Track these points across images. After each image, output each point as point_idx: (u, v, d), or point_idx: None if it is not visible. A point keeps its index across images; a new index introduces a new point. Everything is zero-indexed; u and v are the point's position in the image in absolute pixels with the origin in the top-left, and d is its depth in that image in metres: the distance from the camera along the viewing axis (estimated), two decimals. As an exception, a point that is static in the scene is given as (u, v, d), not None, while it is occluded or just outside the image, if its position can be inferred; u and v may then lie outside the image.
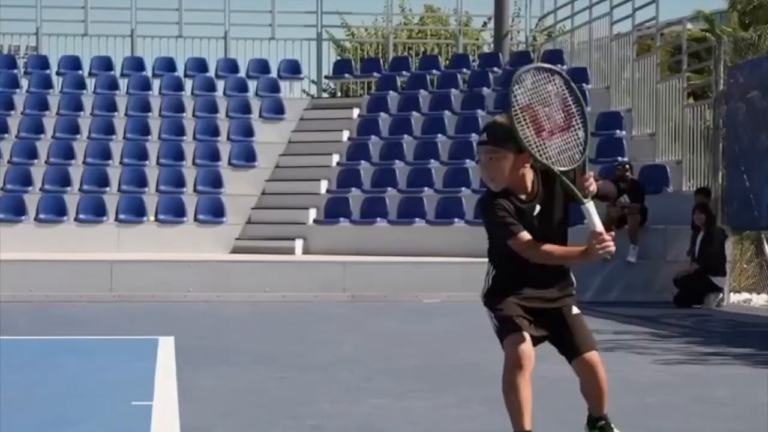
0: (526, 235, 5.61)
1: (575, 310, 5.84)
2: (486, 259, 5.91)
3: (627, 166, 18.65)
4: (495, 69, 24.74)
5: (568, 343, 5.79)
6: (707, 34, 25.74)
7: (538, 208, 5.70)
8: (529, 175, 5.71)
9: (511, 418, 5.64)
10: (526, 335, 5.65)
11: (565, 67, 23.87)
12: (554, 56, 24.50)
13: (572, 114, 5.68)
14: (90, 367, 10.10)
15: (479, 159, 5.77)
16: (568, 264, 5.81)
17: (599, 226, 5.53)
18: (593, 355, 5.78)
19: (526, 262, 5.68)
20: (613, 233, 5.57)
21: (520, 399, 5.58)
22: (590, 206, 5.59)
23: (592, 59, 23.89)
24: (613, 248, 5.53)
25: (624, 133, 21.16)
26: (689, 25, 25.24)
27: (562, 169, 5.60)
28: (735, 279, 18.22)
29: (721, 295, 17.10)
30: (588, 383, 5.83)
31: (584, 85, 22.71)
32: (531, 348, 5.64)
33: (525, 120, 5.58)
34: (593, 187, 5.59)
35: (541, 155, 5.57)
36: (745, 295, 18.11)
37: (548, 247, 5.63)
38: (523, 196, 5.69)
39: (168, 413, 7.53)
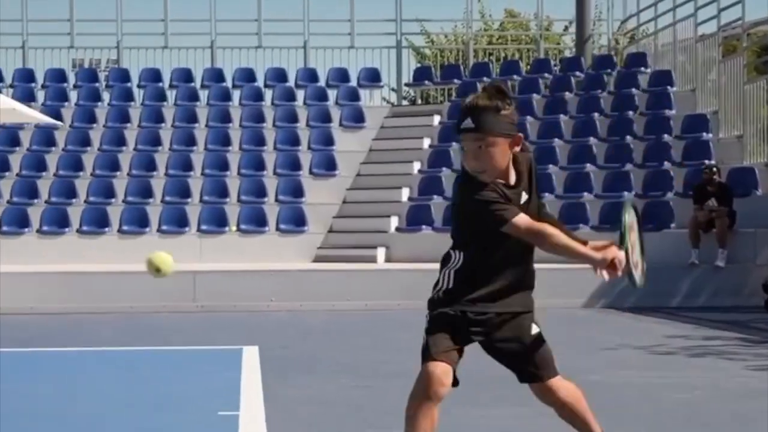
0: (525, 216, 5.01)
1: (535, 329, 5.34)
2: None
3: (714, 169, 18.36)
4: (577, 73, 24.50)
5: (525, 369, 5.35)
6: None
7: (524, 196, 5.14)
8: (512, 160, 5.12)
9: None
10: (448, 367, 5.11)
11: (648, 70, 23.61)
12: (637, 59, 24.24)
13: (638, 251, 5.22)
14: (175, 377, 10.08)
15: (462, 146, 5.09)
16: (566, 256, 5.16)
17: (624, 254, 5.03)
18: (555, 381, 5.30)
19: (499, 261, 5.11)
20: (625, 267, 5.04)
21: (419, 422, 5.17)
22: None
23: (677, 61, 23.57)
24: (612, 276, 5.04)
25: (710, 135, 20.84)
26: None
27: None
28: (827, 283, 17.83)
29: (814, 299, 16.76)
30: (559, 409, 5.35)
31: (669, 87, 22.43)
32: (448, 378, 5.12)
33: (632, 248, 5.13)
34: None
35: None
36: (838, 300, 17.71)
37: (555, 231, 5.06)
38: (509, 182, 5.10)
39: (255, 423, 7.47)
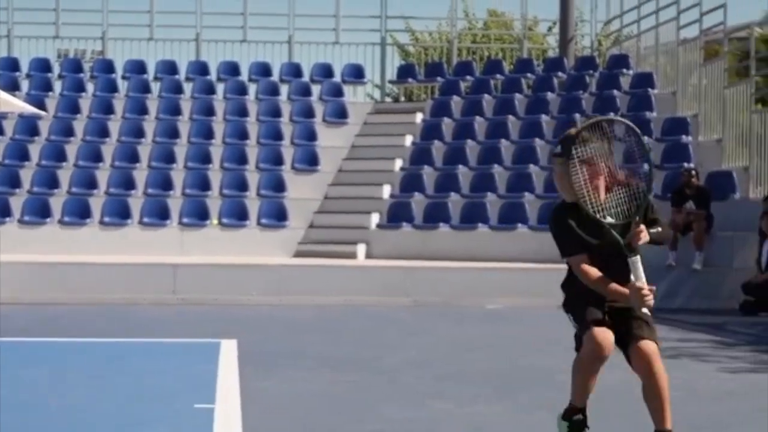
0: (577, 258, 5.90)
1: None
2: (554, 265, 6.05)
3: (693, 172, 18.46)
4: (559, 74, 24.61)
5: (630, 332, 5.91)
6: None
7: (609, 219, 5.84)
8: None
9: (574, 391, 6.03)
10: (608, 330, 5.84)
11: (630, 72, 23.72)
12: (619, 61, 24.35)
13: (636, 168, 5.73)
14: (153, 369, 10.13)
15: (554, 170, 6.03)
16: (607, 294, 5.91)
17: (642, 281, 5.72)
18: (650, 344, 5.88)
19: (602, 268, 5.92)
20: (654, 287, 5.77)
21: (586, 383, 5.94)
22: (636, 260, 5.76)
23: (659, 64, 23.69)
24: (651, 303, 5.74)
25: (690, 138, 20.94)
26: (758, 29, 24.96)
27: (612, 221, 5.76)
28: (803, 287, 17.96)
29: (790, 303, 16.88)
30: (647, 379, 5.87)
31: (650, 90, 22.54)
32: (610, 341, 5.83)
33: (583, 172, 5.73)
34: (641, 241, 5.77)
35: (593, 208, 5.74)
36: (813, 304, 17.84)
37: (596, 274, 5.87)
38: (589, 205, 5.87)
39: (230, 416, 7.53)
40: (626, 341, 5.90)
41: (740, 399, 8.72)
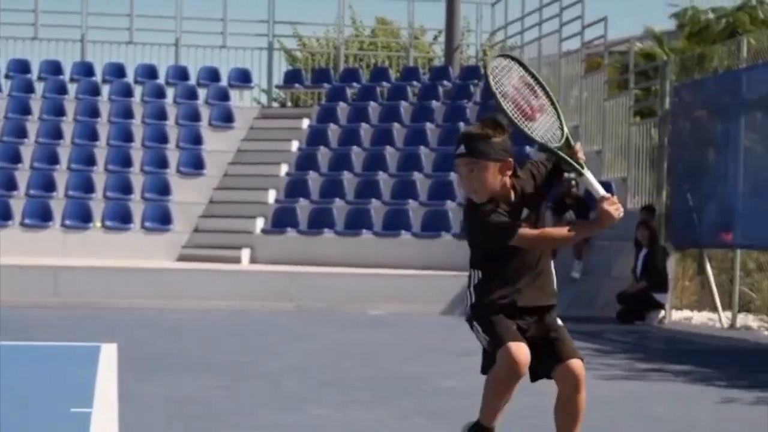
0: (526, 228, 5.53)
1: (560, 322, 5.76)
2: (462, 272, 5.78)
3: (573, 182, 18.74)
4: (445, 82, 24.86)
5: (554, 351, 5.62)
6: (659, 50, 25.97)
7: (525, 211, 5.61)
8: (509, 183, 5.59)
9: (484, 410, 5.62)
10: (524, 344, 5.50)
11: (514, 82, 23.99)
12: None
13: (539, 95, 5.68)
14: (30, 373, 10.04)
15: (459, 171, 5.66)
16: (582, 237, 5.68)
17: (604, 191, 5.56)
18: (578, 363, 5.62)
19: (512, 272, 5.61)
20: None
21: (499, 401, 5.57)
22: (589, 174, 5.62)
23: (541, 75, 23.97)
24: (622, 210, 5.53)
25: (571, 149, 21.22)
26: (638, 43, 25.47)
27: (557, 145, 5.63)
28: (677, 296, 18.39)
29: (663, 312, 17.28)
30: (567, 396, 5.64)
31: (533, 100, 22.80)
32: (527, 355, 5.49)
33: (510, 107, 5.59)
34: (582, 154, 5.66)
35: (535, 137, 5.58)
36: (686, 313, 18.28)
37: (557, 230, 5.67)
38: (506, 204, 5.57)
39: (108, 421, 7.51)
40: (547, 359, 5.62)
41: (614, 406, 8.91)
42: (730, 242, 16.51)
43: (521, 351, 5.48)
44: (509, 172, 5.56)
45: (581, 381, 5.61)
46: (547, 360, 5.64)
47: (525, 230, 5.52)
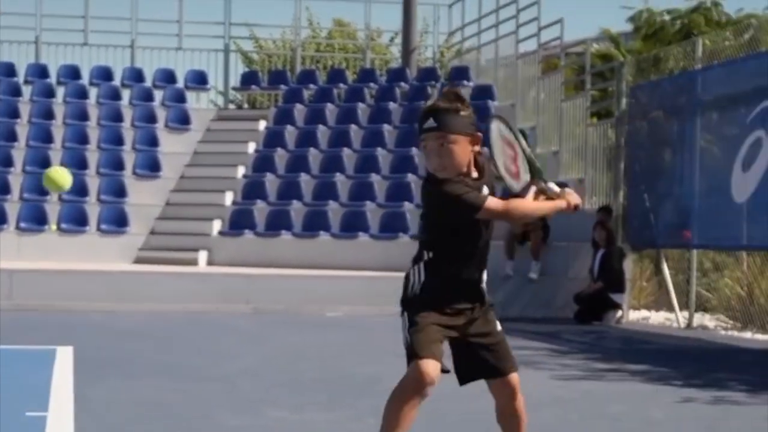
0: (494, 198, 5.28)
1: (499, 326, 5.47)
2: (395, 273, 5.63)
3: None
4: (402, 84, 24.87)
5: (490, 363, 5.38)
6: (615, 51, 26.12)
7: (486, 190, 5.34)
8: (473, 159, 5.33)
9: (385, 427, 5.30)
10: (437, 363, 5.22)
11: (471, 83, 24.09)
12: (461, 73, 24.71)
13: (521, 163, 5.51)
14: (-15, 377, 9.95)
15: (424, 146, 5.31)
16: (547, 213, 5.51)
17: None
18: (516, 376, 5.42)
19: (467, 255, 5.35)
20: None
21: (403, 417, 5.24)
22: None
23: (498, 77, 24.11)
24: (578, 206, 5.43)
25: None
26: (595, 45, 25.59)
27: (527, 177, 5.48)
28: (634, 297, 18.47)
29: (621, 312, 17.34)
30: (504, 404, 5.44)
31: (489, 102, 22.92)
32: (437, 375, 5.22)
33: (505, 152, 5.44)
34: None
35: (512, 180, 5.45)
36: (644, 313, 18.37)
37: (523, 202, 5.35)
38: (470, 180, 5.31)
39: (63, 424, 7.46)
40: (482, 368, 5.39)
41: (570, 406, 8.93)
42: (687, 242, 16.58)
43: (433, 368, 5.19)
44: (477, 147, 5.32)
45: (517, 390, 5.42)
46: (483, 369, 5.40)
47: (492, 200, 5.27)
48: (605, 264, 17.28)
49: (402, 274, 5.52)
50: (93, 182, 22.31)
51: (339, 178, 21.89)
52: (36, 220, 21.17)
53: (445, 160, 5.25)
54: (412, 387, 5.22)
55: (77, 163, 22.74)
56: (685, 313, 16.95)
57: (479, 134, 5.32)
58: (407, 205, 20.52)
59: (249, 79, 27.00)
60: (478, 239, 5.39)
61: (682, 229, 16.54)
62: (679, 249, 17.66)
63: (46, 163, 22.56)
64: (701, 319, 17.22)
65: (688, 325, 16.72)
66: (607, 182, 19.23)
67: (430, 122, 5.25)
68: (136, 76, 25.89)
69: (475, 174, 5.36)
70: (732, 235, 15.28)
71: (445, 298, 5.36)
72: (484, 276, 5.47)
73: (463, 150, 5.26)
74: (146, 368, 10.70)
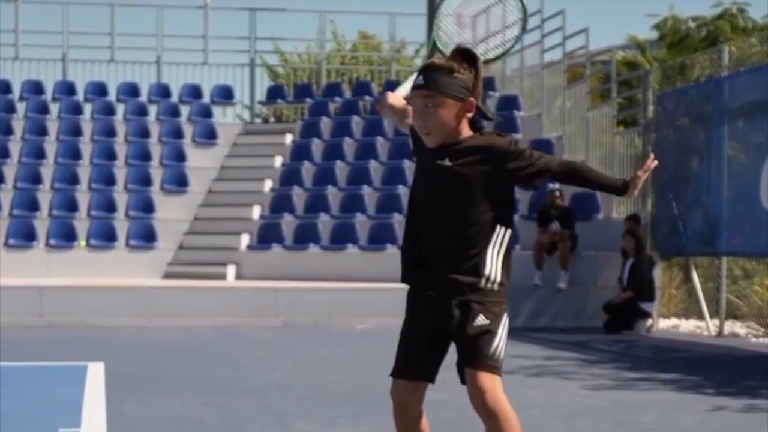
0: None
1: (481, 320, 4.89)
2: None
3: (557, 193, 18.80)
4: (428, 95, 24.83)
5: (460, 358, 4.95)
6: (641, 58, 26.09)
7: (447, 162, 4.83)
8: (466, 132, 4.85)
9: None
10: (400, 382, 5.09)
11: (496, 94, 24.08)
12: (486, 83, 24.58)
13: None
14: (17, 393, 9.99)
15: (412, 105, 4.87)
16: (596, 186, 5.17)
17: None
18: (480, 378, 4.84)
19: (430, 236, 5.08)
20: None
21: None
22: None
23: (524, 87, 24.09)
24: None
25: (555, 160, 21.27)
26: (621, 53, 25.55)
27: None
28: (664, 305, 18.40)
29: (650, 320, 17.28)
30: (482, 418, 4.88)
31: (516, 112, 22.90)
32: (403, 395, 5.09)
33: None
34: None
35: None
36: (673, 321, 18.30)
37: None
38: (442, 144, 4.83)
39: (95, 440, 7.49)
40: (459, 366, 4.95)
41: (601, 415, 8.91)
42: (734, 248, 16.41)
43: (394, 391, 5.09)
44: (469, 115, 4.81)
45: (478, 389, 4.83)
46: (459, 366, 4.99)
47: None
48: (635, 273, 17.23)
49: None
50: (121, 198, 22.40)
51: (366, 190, 21.91)
52: (65, 236, 21.26)
53: (429, 123, 4.79)
54: (393, 409, 5.13)
55: (105, 179, 22.85)
56: (716, 321, 16.87)
57: (472, 100, 4.80)
58: (396, 216, 20.50)
59: (275, 93, 27.07)
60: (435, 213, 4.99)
61: (711, 236, 16.46)
62: (708, 256, 17.58)
63: (74, 180, 22.70)
64: (732, 326, 17.14)
65: (719, 333, 16.64)
66: (635, 191, 19.15)
67: (419, 79, 4.81)
68: (163, 91, 25.99)
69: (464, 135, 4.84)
70: (761, 242, 15.20)
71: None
72: (469, 264, 4.95)
73: (449, 114, 4.77)
74: (177, 383, 10.73)
